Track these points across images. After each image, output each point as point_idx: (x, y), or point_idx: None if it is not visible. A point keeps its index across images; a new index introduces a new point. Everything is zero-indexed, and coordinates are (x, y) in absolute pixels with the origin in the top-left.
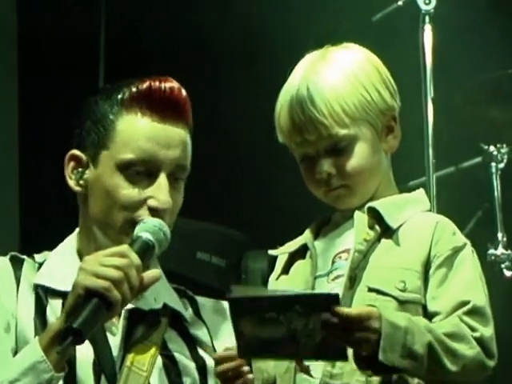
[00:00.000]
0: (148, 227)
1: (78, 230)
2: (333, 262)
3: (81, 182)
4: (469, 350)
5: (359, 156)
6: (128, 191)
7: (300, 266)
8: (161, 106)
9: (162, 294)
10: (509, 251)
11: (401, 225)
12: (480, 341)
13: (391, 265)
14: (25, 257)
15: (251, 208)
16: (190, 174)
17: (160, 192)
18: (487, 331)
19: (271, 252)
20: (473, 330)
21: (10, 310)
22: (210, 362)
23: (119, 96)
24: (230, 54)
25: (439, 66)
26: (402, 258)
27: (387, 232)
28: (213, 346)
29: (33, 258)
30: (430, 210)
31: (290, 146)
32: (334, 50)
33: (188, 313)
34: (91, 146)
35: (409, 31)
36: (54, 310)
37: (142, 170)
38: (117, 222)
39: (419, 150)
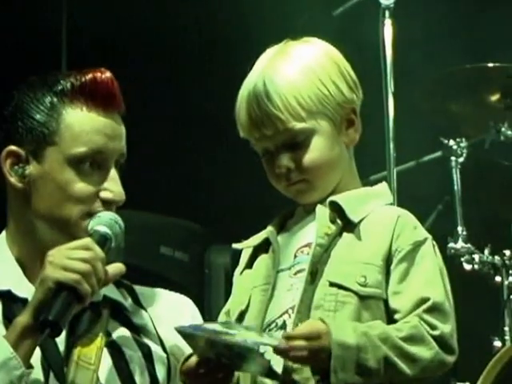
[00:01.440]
0: (104, 221)
1: (7, 229)
2: (295, 256)
3: (22, 178)
4: (427, 351)
5: (317, 150)
6: (81, 185)
7: (262, 261)
8: (106, 99)
9: None
10: (468, 245)
11: (362, 218)
12: (440, 338)
13: (352, 259)
14: None
15: (214, 202)
16: (152, 168)
17: (113, 184)
18: (447, 327)
19: (235, 246)
20: (432, 327)
21: None
22: (155, 348)
23: (59, 88)
24: (190, 45)
25: (400, 60)
26: (363, 252)
27: (349, 226)
28: (156, 333)
29: None
30: (393, 204)
31: (251, 141)
32: (292, 44)
33: (128, 302)
34: (32, 142)
35: (370, 25)
36: None
37: (93, 163)
38: (73, 217)
39: (380, 144)
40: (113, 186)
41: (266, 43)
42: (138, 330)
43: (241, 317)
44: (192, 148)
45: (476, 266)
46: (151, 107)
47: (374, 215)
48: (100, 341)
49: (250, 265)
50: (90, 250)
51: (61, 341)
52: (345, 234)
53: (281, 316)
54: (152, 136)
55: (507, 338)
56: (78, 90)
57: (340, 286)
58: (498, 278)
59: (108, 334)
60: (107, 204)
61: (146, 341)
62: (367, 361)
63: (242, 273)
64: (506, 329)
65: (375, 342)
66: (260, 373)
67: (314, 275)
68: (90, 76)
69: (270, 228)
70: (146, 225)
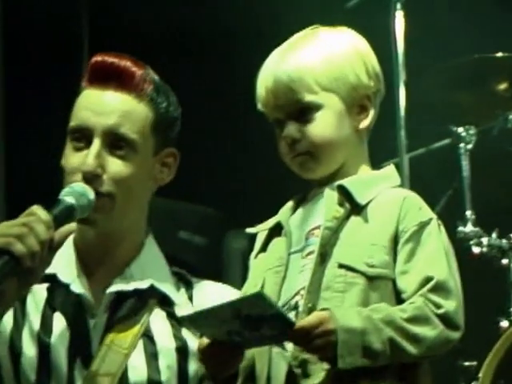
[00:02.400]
0: (72, 191)
1: None
2: (306, 238)
3: None
4: (431, 330)
5: (324, 124)
6: (70, 158)
7: (276, 243)
8: (100, 76)
9: (151, 274)
10: (477, 228)
11: (370, 201)
12: (444, 316)
13: (360, 241)
14: None
15: (232, 187)
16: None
17: (87, 157)
18: (451, 305)
19: (249, 230)
20: (437, 306)
21: None
22: (192, 344)
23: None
24: (213, 37)
25: (411, 50)
26: (371, 233)
27: (357, 209)
28: None
29: None
30: (401, 186)
31: (266, 113)
32: (319, 29)
33: (180, 296)
34: None
35: (382, 17)
36: (36, 295)
37: (79, 137)
38: None
39: (392, 132)
40: (86, 159)
41: (278, 37)
42: (180, 324)
43: None
44: (210, 134)
45: (484, 249)
46: None
47: (381, 197)
48: (138, 328)
49: (264, 248)
50: (31, 215)
51: (95, 327)
52: (353, 217)
53: (293, 297)
54: None
55: None
56: (86, 72)
57: (348, 268)
58: (504, 261)
59: (148, 324)
60: (85, 179)
61: (186, 335)
62: (372, 343)
63: (256, 256)
64: None
65: (379, 325)
66: (273, 338)
67: (324, 257)
68: (93, 59)
69: (283, 211)
70: (165, 210)
